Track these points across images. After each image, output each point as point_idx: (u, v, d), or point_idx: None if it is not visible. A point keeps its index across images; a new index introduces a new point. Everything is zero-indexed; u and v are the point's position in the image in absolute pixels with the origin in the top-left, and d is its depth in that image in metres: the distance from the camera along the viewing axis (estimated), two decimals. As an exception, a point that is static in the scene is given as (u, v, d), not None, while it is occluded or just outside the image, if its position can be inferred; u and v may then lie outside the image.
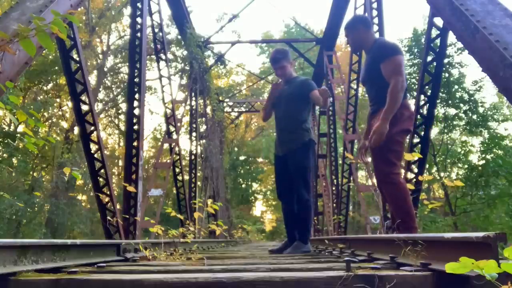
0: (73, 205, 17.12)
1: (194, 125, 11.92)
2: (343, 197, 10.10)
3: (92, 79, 20.25)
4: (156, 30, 8.62)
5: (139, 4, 6.29)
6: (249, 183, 31.84)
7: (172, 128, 9.16)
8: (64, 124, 20.12)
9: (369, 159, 3.37)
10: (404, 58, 3.17)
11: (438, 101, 13.23)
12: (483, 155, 14.56)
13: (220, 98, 16.67)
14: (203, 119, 12.91)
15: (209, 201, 5.67)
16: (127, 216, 5.34)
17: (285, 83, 4.06)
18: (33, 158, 16.85)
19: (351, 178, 9.51)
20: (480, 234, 1.13)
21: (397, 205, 2.94)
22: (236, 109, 18.28)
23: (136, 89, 6.02)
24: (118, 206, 5.51)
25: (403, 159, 3.41)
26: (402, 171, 3.06)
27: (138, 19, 6.27)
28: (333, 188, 11.30)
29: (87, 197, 20.44)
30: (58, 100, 19.28)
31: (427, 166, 14.46)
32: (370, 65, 3.22)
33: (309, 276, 1.32)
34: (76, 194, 18.51)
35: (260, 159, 30.87)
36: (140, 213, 5.61)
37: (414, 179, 4.54)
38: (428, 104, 4.59)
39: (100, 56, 21.56)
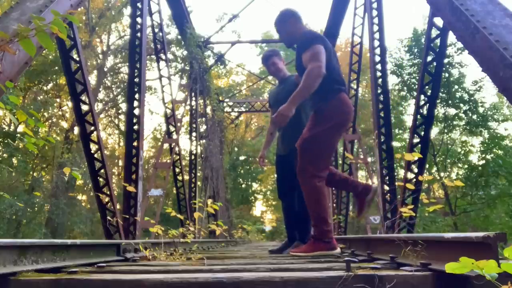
0: (73, 205, 17.12)
1: (194, 125, 11.91)
2: (343, 197, 10.11)
3: (92, 79, 20.27)
4: (156, 30, 8.63)
5: (139, 4, 6.29)
6: (249, 183, 31.81)
7: (172, 128, 9.16)
8: (64, 124, 20.15)
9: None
10: (325, 47, 2.89)
11: (438, 101, 13.23)
12: (483, 155, 14.58)
13: (220, 98, 16.66)
14: (203, 119, 12.90)
15: (209, 201, 5.67)
16: (127, 216, 5.34)
17: (281, 82, 4.05)
18: (33, 158, 16.86)
19: (351, 178, 9.49)
20: (480, 234, 1.13)
21: (309, 205, 2.87)
22: (236, 109, 18.25)
23: (136, 89, 6.02)
24: (118, 206, 5.51)
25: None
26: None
27: (138, 19, 6.27)
28: (333, 188, 11.29)
29: (87, 197, 20.44)
30: (58, 100, 19.28)
31: (427, 166, 14.47)
32: (297, 59, 3.10)
33: (309, 276, 1.31)
34: (76, 194, 18.51)
35: (260, 159, 30.79)
36: (140, 213, 5.60)
37: (414, 179, 4.55)
38: (428, 104, 4.59)
39: (100, 56, 21.57)
